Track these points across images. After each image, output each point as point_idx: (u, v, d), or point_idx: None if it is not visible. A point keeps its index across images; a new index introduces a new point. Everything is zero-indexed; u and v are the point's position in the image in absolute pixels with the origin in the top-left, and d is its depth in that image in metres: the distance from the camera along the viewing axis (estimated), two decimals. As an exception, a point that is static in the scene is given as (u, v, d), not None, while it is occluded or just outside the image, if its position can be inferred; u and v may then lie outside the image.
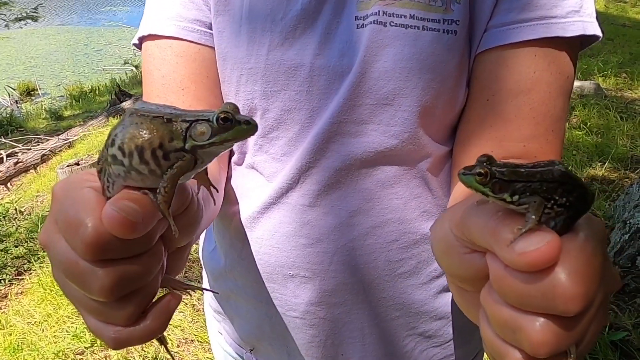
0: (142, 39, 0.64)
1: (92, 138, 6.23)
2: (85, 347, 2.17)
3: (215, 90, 0.63)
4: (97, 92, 9.16)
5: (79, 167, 3.65)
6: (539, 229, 0.29)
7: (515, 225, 0.29)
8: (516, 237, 0.28)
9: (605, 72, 4.94)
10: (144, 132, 0.31)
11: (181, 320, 2.25)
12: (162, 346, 0.40)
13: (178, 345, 2.15)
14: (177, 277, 0.39)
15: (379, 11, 0.55)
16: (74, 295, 0.34)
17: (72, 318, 2.36)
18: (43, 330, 2.32)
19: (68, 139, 6.33)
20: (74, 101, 8.76)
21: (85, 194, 0.32)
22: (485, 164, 0.31)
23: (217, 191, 0.43)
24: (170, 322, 1.79)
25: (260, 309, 0.70)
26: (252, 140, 0.63)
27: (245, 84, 0.60)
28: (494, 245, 0.29)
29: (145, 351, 2.11)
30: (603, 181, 3.07)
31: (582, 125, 3.76)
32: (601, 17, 7.53)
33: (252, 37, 0.58)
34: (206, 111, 0.32)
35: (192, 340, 2.16)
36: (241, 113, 0.32)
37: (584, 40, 0.57)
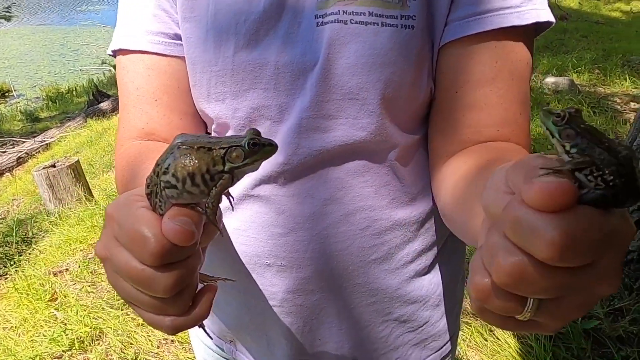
0: (115, 52, 0.67)
1: (69, 139, 6.13)
2: (62, 351, 2.15)
3: (186, 99, 0.66)
4: (74, 93, 9.01)
5: (55, 169, 3.59)
6: (564, 177, 0.28)
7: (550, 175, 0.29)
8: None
9: (579, 68, 5.05)
10: (194, 161, 0.38)
11: (161, 321, 2.24)
12: (201, 329, 0.47)
13: (158, 347, 2.13)
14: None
15: (339, 10, 0.58)
16: (134, 296, 0.40)
17: (49, 322, 2.33)
18: (19, 335, 2.29)
19: (45, 141, 6.22)
20: (50, 102, 8.61)
21: (143, 213, 0.38)
22: (569, 110, 0.31)
23: (233, 199, 0.48)
24: (147, 322, 1.74)
25: (238, 299, 0.71)
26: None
27: (215, 85, 0.62)
28: (524, 179, 0.29)
29: (124, 353, 2.10)
30: (577, 175, 3.14)
31: (556, 120, 3.84)
32: (575, 14, 7.69)
33: (218, 40, 0.61)
34: (237, 137, 0.39)
35: (172, 341, 2.16)
36: (263, 136, 0.40)
37: (539, 27, 0.60)
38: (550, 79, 4.61)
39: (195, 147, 0.38)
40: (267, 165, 0.62)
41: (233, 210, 0.51)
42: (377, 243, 0.66)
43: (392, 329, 0.71)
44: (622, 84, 4.69)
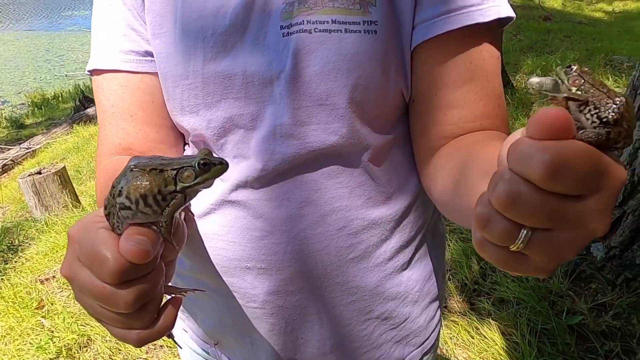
0: (91, 72, 0.70)
1: (56, 146, 6.07)
2: (50, 359, 2.13)
3: (162, 113, 0.68)
4: (60, 98, 8.93)
5: (41, 175, 3.56)
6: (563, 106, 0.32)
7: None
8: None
9: (563, 68, 5.11)
10: (145, 183, 0.40)
11: (149, 326, 2.23)
12: (170, 339, 0.49)
13: (147, 352, 2.13)
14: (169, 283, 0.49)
15: (302, 20, 0.59)
16: (99, 312, 0.42)
17: (36, 330, 2.31)
18: (6, 344, 2.27)
19: (31, 148, 6.16)
20: (36, 109, 8.52)
21: (101, 234, 0.40)
22: (579, 65, 0.34)
23: (193, 214, 0.50)
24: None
25: (221, 302, 0.72)
26: (204, 146, 0.67)
27: (188, 98, 0.64)
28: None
29: (113, 359, 2.09)
30: (561, 173, 3.18)
31: (541, 119, 3.89)
32: (559, 15, 7.78)
33: (186, 55, 0.62)
34: (189, 158, 0.41)
35: (160, 346, 2.15)
36: (214, 155, 0.41)
37: (502, 22, 0.62)
38: (534, 79, 4.57)
39: (148, 169, 0.40)
40: (244, 171, 0.64)
41: (194, 225, 0.52)
42: (354, 242, 0.67)
43: (374, 327, 0.73)
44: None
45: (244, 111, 0.62)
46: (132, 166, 0.41)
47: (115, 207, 0.41)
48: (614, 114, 0.31)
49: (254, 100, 0.62)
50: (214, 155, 0.42)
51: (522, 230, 0.32)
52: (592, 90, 0.33)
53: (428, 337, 0.80)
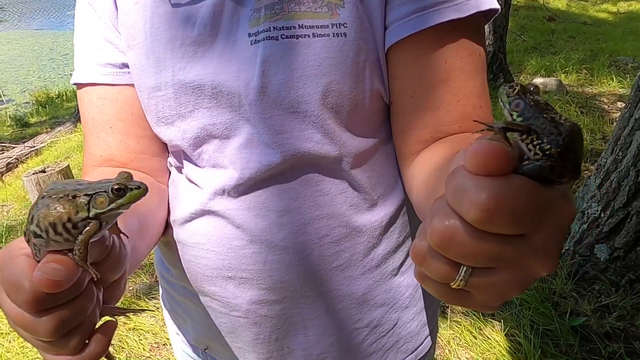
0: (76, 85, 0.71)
1: (60, 144, 6.09)
2: None
3: (142, 123, 0.68)
4: (64, 97, 8.95)
5: (46, 174, 3.57)
6: (501, 140, 0.29)
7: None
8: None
9: (567, 69, 5.10)
10: (54, 211, 0.39)
11: (152, 325, 2.24)
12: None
13: (150, 350, 2.13)
14: (121, 300, 0.49)
15: (269, 27, 0.58)
16: (27, 339, 0.42)
17: (40, 328, 2.32)
18: (10, 342, 2.27)
19: (35, 146, 6.18)
20: (40, 107, 8.54)
21: (20, 262, 0.40)
22: (524, 85, 0.32)
23: (127, 237, 0.48)
24: (142, 328, 1.80)
25: (206, 311, 0.72)
26: (183, 156, 0.68)
27: (162, 110, 0.64)
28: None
29: (116, 357, 2.09)
30: (564, 174, 3.17)
31: (544, 120, 3.88)
32: (563, 15, 7.75)
33: (157, 66, 0.63)
34: (106, 182, 0.40)
35: (164, 344, 2.15)
36: (134, 179, 0.41)
37: (487, 15, 0.60)
38: (538, 80, 4.66)
39: (59, 195, 0.39)
40: (221, 180, 0.63)
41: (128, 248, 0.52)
42: (337, 250, 0.66)
43: (363, 336, 0.71)
44: (609, 84, 4.75)
45: (216, 120, 0.62)
46: (45, 192, 0.40)
47: (30, 235, 0.40)
48: (557, 146, 0.28)
49: (225, 110, 0.61)
50: (133, 179, 0.41)
51: (462, 268, 0.30)
52: (535, 116, 0.30)
53: (422, 343, 0.78)
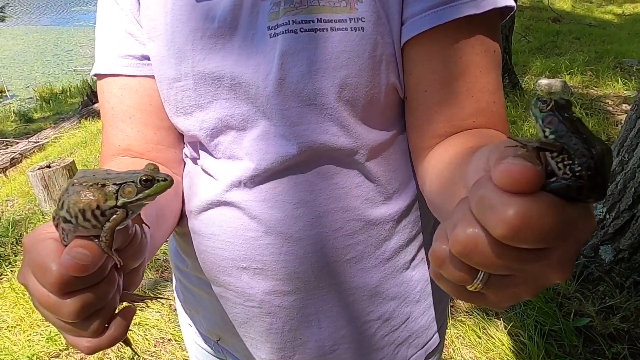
0: (96, 76, 0.72)
1: (64, 140, 6.10)
2: (60, 350, 2.15)
3: (159, 114, 0.69)
4: (68, 93, 8.97)
5: (51, 169, 3.59)
6: (532, 158, 0.29)
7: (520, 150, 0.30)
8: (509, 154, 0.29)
9: (572, 70, 5.10)
10: (84, 198, 0.40)
11: (158, 320, 2.25)
12: (128, 347, 0.50)
13: (155, 345, 2.14)
14: (136, 290, 0.50)
15: (288, 21, 0.59)
16: (51, 320, 0.43)
17: (45, 322, 2.33)
18: (16, 335, 2.29)
19: (39, 142, 6.19)
20: (44, 103, 8.56)
21: (48, 245, 0.42)
22: (557, 100, 0.31)
23: (149, 227, 0.50)
24: (148, 323, 1.81)
25: (220, 301, 0.73)
26: (200, 147, 0.69)
27: (182, 100, 0.65)
28: (497, 159, 0.30)
29: (121, 352, 2.10)
30: (569, 175, 3.17)
31: (549, 121, 3.88)
32: (568, 16, 7.74)
33: (178, 58, 0.64)
34: (133, 172, 0.42)
35: (169, 340, 2.17)
36: (160, 171, 0.42)
37: (504, 12, 0.60)
38: (543, 81, 4.66)
39: (89, 183, 0.41)
40: (237, 172, 0.64)
41: (144, 233, 0.52)
42: (351, 243, 0.67)
43: (375, 329, 0.72)
44: (614, 86, 4.74)
45: (234, 112, 0.63)
46: (75, 180, 0.42)
47: (60, 220, 0.41)
48: (588, 169, 0.29)
49: (243, 102, 0.62)
50: (160, 171, 0.42)
51: (480, 273, 0.31)
52: (568, 135, 0.30)
53: (431, 338, 0.79)
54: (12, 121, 7.77)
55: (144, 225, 0.48)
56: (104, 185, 0.41)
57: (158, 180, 0.42)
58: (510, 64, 4.55)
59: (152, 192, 0.41)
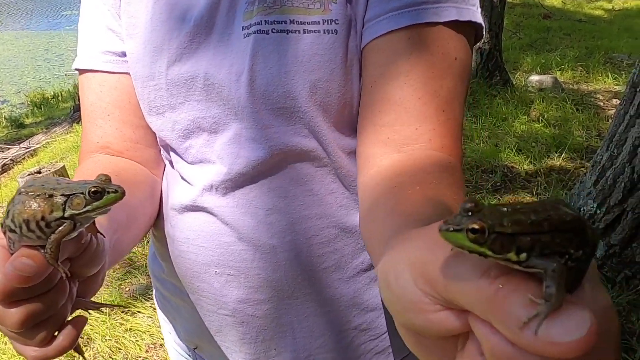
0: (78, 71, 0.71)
1: (55, 145, 6.06)
2: (50, 358, 2.13)
3: (138, 112, 0.68)
4: (59, 98, 8.91)
5: (41, 175, 3.56)
6: (566, 304, 0.22)
7: (524, 294, 0.23)
8: (536, 318, 0.22)
9: (563, 66, 5.11)
10: (28, 208, 0.40)
11: (149, 325, 2.23)
12: (80, 355, 0.49)
13: (147, 351, 2.13)
14: (92, 297, 0.49)
15: (260, 21, 0.58)
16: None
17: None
18: (6, 344, 2.26)
19: (30, 147, 6.15)
20: (35, 108, 8.50)
21: None
22: (475, 214, 0.25)
23: (104, 237, 0.48)
24: (139, 328, 1.78)
25: (195, 307, 0.72)
26: (172, 150, 0.68)
27: (154, 99, 0.64)
28: (497, 322, 0.23)
29: (113, 358, 2.09)
30: (560, 171, 3.18)
31: (540, 117, 3.89)
32: (558, 13, 7.77)
33: (153, 55, 0.63)
34: (85, 183, 0.40)
35: (160, 345, 2.15)
36: (112, 183, 0.41)
37: (477, 30, 0.59)
38: (534, 77, 4.67)
39: (36, 193, 0.40)
40: (209, 176, 0.63)
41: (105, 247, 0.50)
42: (326, 251, 0.65)
43: (352, 338, 0.70)
44: (605, 81, 4.76)
45: (206, 114, 0.62)
46: (22, 189, 0.41)
47: (6, 228, 0.41)
48: (587, 248, 0.25)
49: (215, 103, 0.61)
50: (111, 182, 0.41)
51: None
52: (540, 240, 0.24)
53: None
54: (3, 127, 7.71)
55: (99, 235, 0.47)
56: (51, 196, 0.40)
57: (108, 192, 0.40)
58: (501, 61, 4.56)
59: (102, 205, 0.40)
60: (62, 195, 0.40)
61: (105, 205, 0.40)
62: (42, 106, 8.55)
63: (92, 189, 0.40)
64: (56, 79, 10.21)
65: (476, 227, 0.24)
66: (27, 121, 7.91)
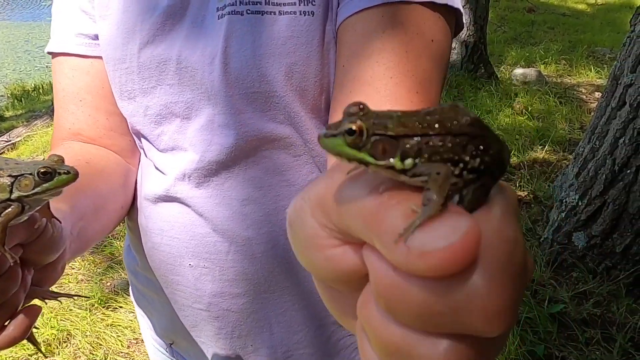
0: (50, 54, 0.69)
1: (36, 138, 5.95)
2: (29, 355, 2.09)
3: (112, 99, 0.66)
4: (40, 90, 8.73)
5: (20, 168, 3.50)
6: (445, 211, 0.19)
7: (408, 205, 0.20)
8: (410, 228, 0.19)
9: (546, 60, 5.15)
10: None
11: (131, 320, 2.20)
12: (34, 346, 0.47)
13: (128, 346, 2.10)
14: (52, 286, 0.47)
15: (235, 1, 0.56)
16: None
17: (15, 325, 2.27)
18: (-17, 340, 2.22)
19: (10, 140, 6.03)
20: (15, 101, 8.32)
21: None
22: (356, 115, 0.21)
23: (60, 222, 0.45)
24: (120, 324, 1.75)
25: (169, 302, 0.70)
26: (144, 137, 0.65)
27: (125, 83, 0.62)
28: (377, 239, 0.20)
29: (93, 354, 2.06)
30: (543, 163, 3.21)
31: (524, 110, 3.92)
32: (542, 6, 7.82)
33: (125, 37, 0.61)
34: (34, 164, 0.38)
35: (142, 340, 2.12)
36: (65, 163, 0.39)
37: (457, 16, 0.57)
38: (518, 70, 4.69)
39: None
40: (182, 164, 0.61)
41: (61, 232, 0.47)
42: None
43: (330, 333, 0.69)
44: (587, 75, 4.81)
45: (179, 99, 0.60)
46: None
47: None
48: (486, 157, 0.22)
49: (188, 88, 0.59)
50: (64, 163, 0.39)
51: None
52: (430, 141, 0.21)
53: None
54: (-18, 120, 7.54)
55: (55, 220, 0.45)
56: None
57: (59, 173, 0.39)
58: (486, 54, 4.57)
59: (52, 186, 0.38)
60: (10, 176, 0.38)
61: (55, 187, 0.38)
62: (22, 99, 8.37)
63: (42, 170, 0.38)
64: (37, 70, 9.99)
65: (353, 127, 0.21)
66: (7, 114, 7.75)
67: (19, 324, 0.42)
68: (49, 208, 0.44)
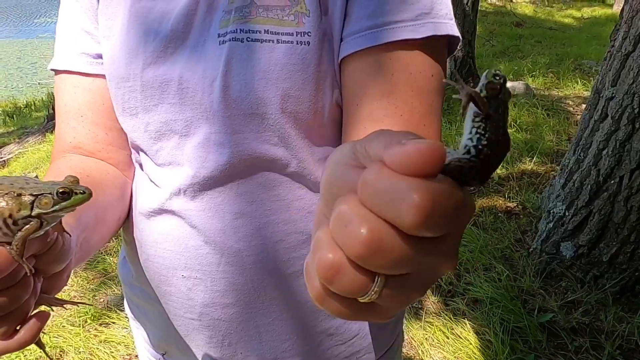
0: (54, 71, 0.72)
1: (28, 155, 5.94)
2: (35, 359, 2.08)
3: (112, 115, 0.69)
4: (32, 107, 8.73)
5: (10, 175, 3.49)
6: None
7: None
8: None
9: (534, 73, 5.24)
10: None
11: (124, 336, 2.20)
12: (42, 350, 0.50)
13: (122, 362, 2.09)
14: (57, 294, 0.51)
15: (236, 29, 0.60)
16: None
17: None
18: None
19: (2, 157, 6.01)
20: (7, 118, 8.31)
21: None
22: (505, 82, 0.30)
23: (70, 235, 0.49)
24: (114, 339, 1.76)
25: (163, 312, 0.72)
26: (143, 152, 0.68)
27: (128, 100, 0.65)
28: (385, 147, 0.25)
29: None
30: (532, 175, 3.26)
31: (512, 123, 3.98)
32: (530, 21, 7.95)
33: (128, 57, 0.64)
34: (53, 184, 0.42)
35: (136, 356, 2.11)
36: (80, 184, 0.43)
37: (451, 42, 0.61)
38: (507, 84, 4.77)
39: (4, 191, 0.42)
40: (177, 179, 0.64)
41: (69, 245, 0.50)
42: (293, 257, 0.66)
43: (318, 342, 0.71)
44: (574, 87, 4.90)
45: (178, 117, 0.63)
46: None
47: None
48: (490, 148, 0.28)
49: (188, 107, 0.62)
50: (79, 184, 0.43)
51: (377, 278, 0.26)
52: (496, 109, 0.29)
53: (384, 353, 0.78)
54: (-27, 137, 7.51)
55: (65, 233, 0.49)
56: (19, 195, 0.41)
57: (76, 193, 0.42)
58: (474, 68, 4.65)
59: (69, 205, 0.42)
60: (31, 194, 0.41)
61: (72, 206, 0.42)
62: (14, 116, 8.36)
63: (60, 190, 0.41)
64: (29, 87, 9.99)
65: (503, 76, 0.31)
66: (-1, 131, 7.74)
67: (30, 328, 0.45)
68: (61, 223, 0.48)
